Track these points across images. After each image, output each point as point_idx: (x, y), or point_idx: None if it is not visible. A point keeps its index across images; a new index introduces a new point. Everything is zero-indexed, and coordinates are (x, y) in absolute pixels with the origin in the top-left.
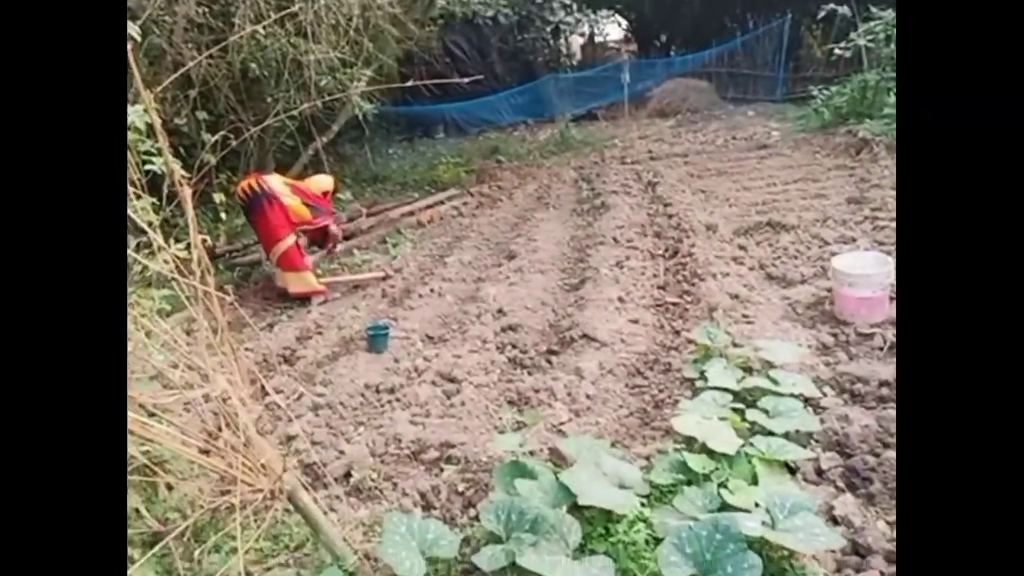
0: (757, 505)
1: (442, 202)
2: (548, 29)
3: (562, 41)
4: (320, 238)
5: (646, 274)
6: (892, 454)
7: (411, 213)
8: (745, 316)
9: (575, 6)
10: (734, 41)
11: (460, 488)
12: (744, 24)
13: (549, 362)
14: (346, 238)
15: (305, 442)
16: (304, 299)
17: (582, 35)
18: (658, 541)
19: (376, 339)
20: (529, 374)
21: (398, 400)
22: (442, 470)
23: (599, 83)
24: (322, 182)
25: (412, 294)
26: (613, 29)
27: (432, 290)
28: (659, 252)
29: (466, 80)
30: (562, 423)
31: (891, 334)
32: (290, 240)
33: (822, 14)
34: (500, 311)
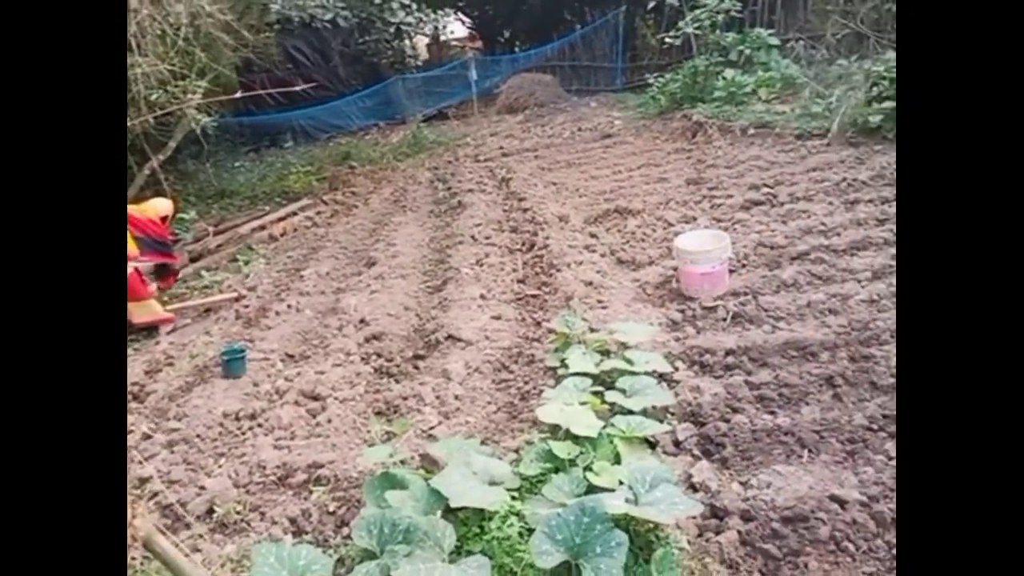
0: (621, 483)
1: (295, 213)
2: (390, 30)
3: (406, 42)
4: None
5: (505, 269)
6: (741, 418)
7: (262, 227)
8: (600, 301)
9: (415, 6)
10: (573, 34)
11: (331, 508)
12: (582, 17)
13: (416, 367)
14: (193, 259)
15: (160, 483)
16: (151, 329)
17: (427, 35)
18: (532, 532)
19: (232, 364)
20: (396, 382)
21: (260, 425)
22: (311, 492)
23: (447, 82)
24: (159, 206)
25: (268, 312)
26: (458, 27)
27: (289, 306)
28: (516, 247)
29: (303, 87)
30: (432, 427)
31: (732, 304)
32: (129, 268)
33: (652, 4)
34: (363, 321)
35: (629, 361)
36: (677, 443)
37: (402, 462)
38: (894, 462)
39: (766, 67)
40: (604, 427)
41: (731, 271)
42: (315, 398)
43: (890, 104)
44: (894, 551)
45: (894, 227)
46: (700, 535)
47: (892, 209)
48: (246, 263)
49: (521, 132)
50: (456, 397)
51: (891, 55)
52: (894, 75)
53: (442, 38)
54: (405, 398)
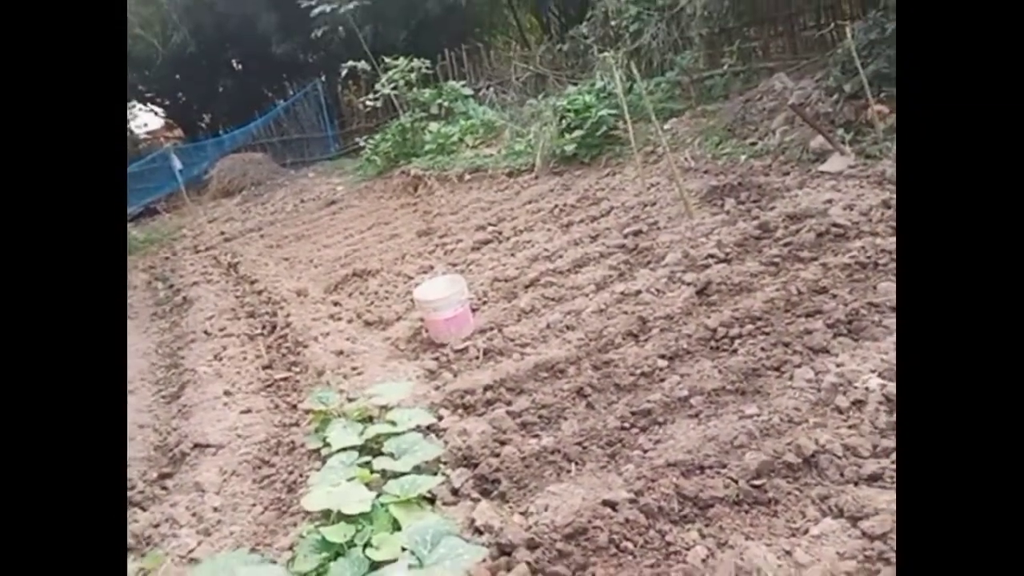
0: (404, 550)
1: None
2: None
3: None
4: None
5: (248, 358)
6: (509, 449)
7: None
8: (354, 368)
9: None
10: (276, 109)
11: None
12: (283, 92)
13: (164, 488)
14: None
15: None
16: None
17: None
18: None
19: None
20: (143, 510)
21: None
22: None
23: (149, 176)
24: None
25: None
26: (150, 118)
27: None
28: (257, 332)
29: None
30: (191, 551)
31: (481, 342)
32: None
33: (344, 72)
34: None
35: (393, 423)
36: (455, 491)
37: None
38: (649, 454)
39: (466, 116)
40: (377, 497)
41: (474, 310)
42: None
43: (579, 133)
44: (667, 539)
45: (607, 242)
46: None
47: (601, 225)
48: None
49: (241, 214)
50: (215, 509)
51: (571, 89)
52: (577, 107)
53: (137, 131)
54: (156, 525)
